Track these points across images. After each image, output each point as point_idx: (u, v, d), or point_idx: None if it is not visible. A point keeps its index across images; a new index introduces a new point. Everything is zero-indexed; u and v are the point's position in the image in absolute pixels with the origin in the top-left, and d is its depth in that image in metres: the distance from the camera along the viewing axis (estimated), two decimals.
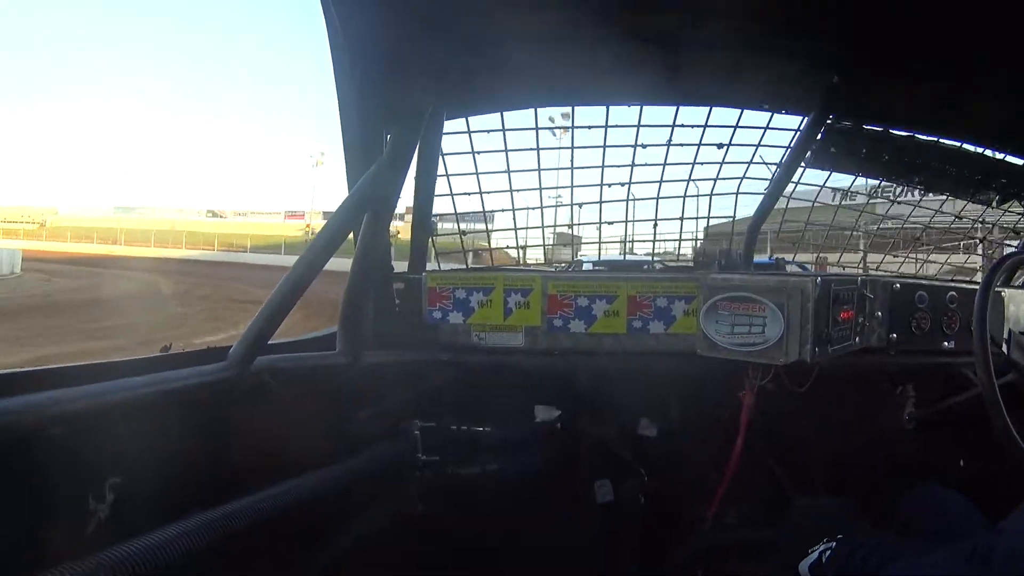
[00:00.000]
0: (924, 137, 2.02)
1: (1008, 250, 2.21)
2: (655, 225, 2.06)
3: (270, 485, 1.19)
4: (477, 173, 1.83)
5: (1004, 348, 1.73)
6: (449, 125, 1.75)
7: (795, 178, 2.02)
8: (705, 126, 1.88)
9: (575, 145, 1.87)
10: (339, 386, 1.47)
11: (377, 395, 1.55)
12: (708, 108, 1.86)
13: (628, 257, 2.24)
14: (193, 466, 1.06)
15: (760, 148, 1.96)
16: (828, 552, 1.22)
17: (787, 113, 1.90)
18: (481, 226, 1.98)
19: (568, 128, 1.88)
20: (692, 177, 1.96)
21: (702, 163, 1.94)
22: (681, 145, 1.90)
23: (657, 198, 1.99)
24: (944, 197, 2.19)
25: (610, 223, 2.08)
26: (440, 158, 1.76)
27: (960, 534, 1.31)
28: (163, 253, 40.26)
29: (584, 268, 2.38)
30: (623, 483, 1.81)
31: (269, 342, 1.30)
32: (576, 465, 1.80)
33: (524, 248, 2.01)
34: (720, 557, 1.66)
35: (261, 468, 1.19)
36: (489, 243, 1.99)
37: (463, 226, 1.91)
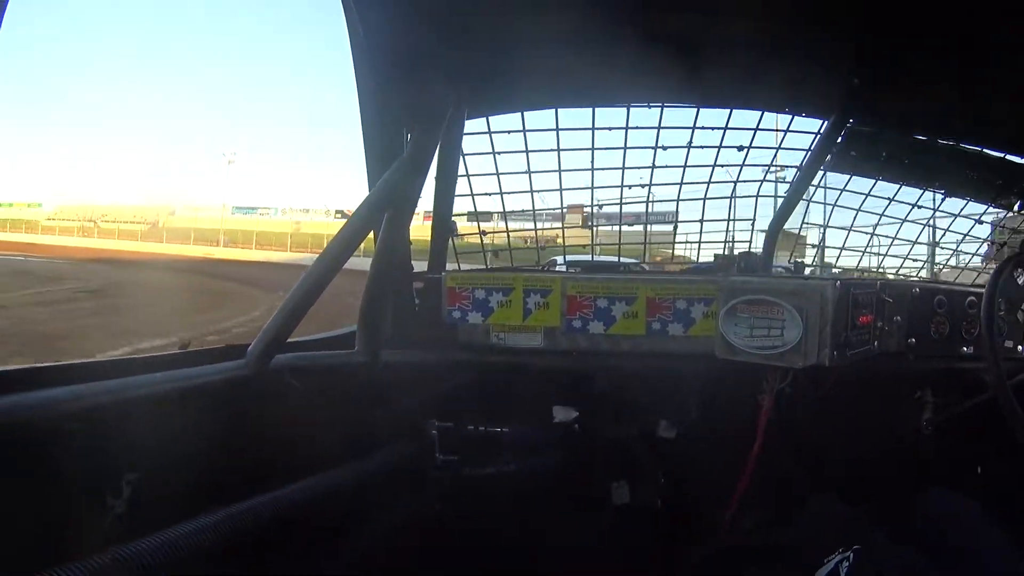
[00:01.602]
0: (944, 141, 2.00)
1: None
2: (675, 227, 2.06)
3: (287, 483, 1.20)
4: (498, 173, 1.83)
5: (1019, 348, 1.73)
6: (469, 125, 1.76)
7: (815, 181, 2.01)
8: (726, 128, 1.88)
9: (595, 146, 1.87)
10: (357, 385, 1.47)
11: (395, 394, 1.55)
12: (728, 111, 1.86)
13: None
14: (210, 463, 1.06)
15: (780, 151, 1.96)
16: (845, 564, 1.21)
17: (807, 116, 1.90)
18: (501, 225, 1.97)
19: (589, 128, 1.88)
20: (712, 179, 1.96)
21: (722, 165, 1.94)
22: (702, 147, 1.90)
23: (678, 200, 1.99)
24: (965, 201, 2.17)
25: (630, 225, 2.08)
26: (460, 158, 1.76)
27: (978, 547, 1.30)
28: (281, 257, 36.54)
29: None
30: (640, 485, 1.81)
31: (288, 340, 1.31)
32: (593, 466, 1.80)
33: (543, 248, 2.01)
34: (735, 561, 1.65)
35: (278, 466, 1.20)
36: (509, 244, 1.99)
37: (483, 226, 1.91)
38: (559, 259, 2.40)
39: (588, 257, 2.22)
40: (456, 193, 1.79)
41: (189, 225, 50.44)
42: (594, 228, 2.13)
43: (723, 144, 1.90)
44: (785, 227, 2.07)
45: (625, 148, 1.87)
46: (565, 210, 2.05)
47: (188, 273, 22.98)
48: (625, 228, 2.08)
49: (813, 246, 2.23)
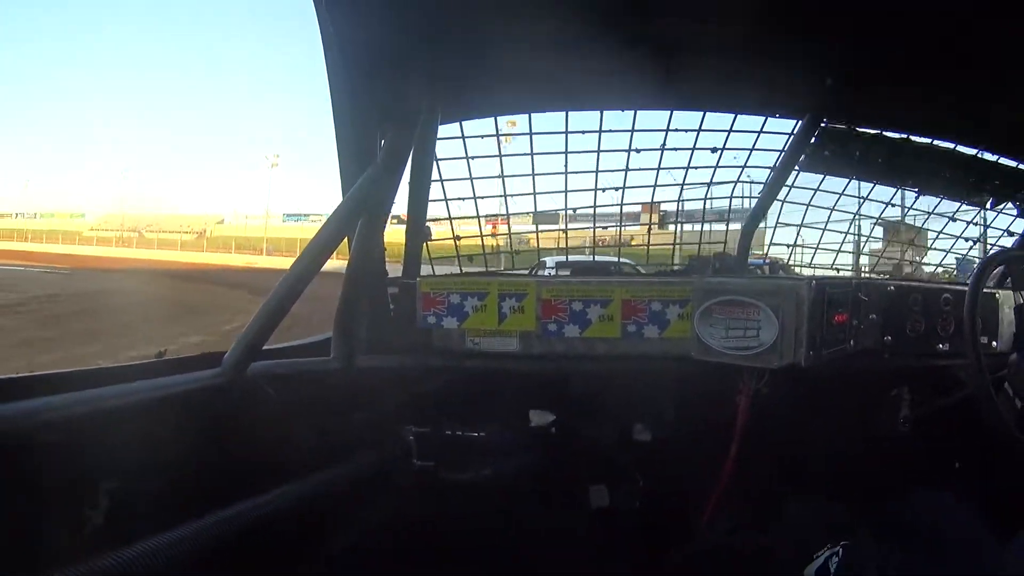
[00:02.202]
0: (918, 139, 2.02)
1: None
2: (649, 229, 2.07)
3: (264, 491, 1.19)
4: (471, 178, 1.83)
5: (995, 345, 1.75)
6: (443, 130, 1.75)
7: (789, 181, 2.02)
8: (699, 130, 1.88)
9: (569, 150, 1.87)
10: (333, 391, 1.46)
11: (371, 400, 1.54)
12: (702, 113, 1.87)
13: (596, 258, 2.25)
14: (187, 472, 1.05)
15: (754, 152, 1.97)
16: (835, 559, 1.21)
17: (781, 117, 1.91)
18: (475, 230, 1.97)
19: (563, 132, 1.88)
20: (687, 182, 1.97)
21: (696, 167, 1.95)
22: (675, 149, 1.91)
23: (651, 203, 1.99)
24: (938, 199, 2.19)
25: (604, 227, 2.08)
26: (435, 163, 1.76)
27: (960, 542, 1.31)
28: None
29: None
30: (618, 488, 1.81)
31: (263, 348, 1.30)
32: (571, 470, 1.80)
33: (518, 253, 2.01)
34: (722, 561, 1.65)
35: (255, 474, 1.19)
36: (483, 248, 1.99)
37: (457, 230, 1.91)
38: (548, 260, 2.41)
39: (583, 258, 2.23)
40: (430, 198, 1.78)
41: (239, 234, 49.65)
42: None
43: (697, 146, 1.91)
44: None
45: (599, 152, 1.87)
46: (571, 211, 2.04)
47: (188, 281, 22.55)
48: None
49: (788, 246, 2.24)
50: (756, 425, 1.62)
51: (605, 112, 1.84)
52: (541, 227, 2.16)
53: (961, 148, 2.04)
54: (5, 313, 12.88)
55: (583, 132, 1.85)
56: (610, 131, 1.84)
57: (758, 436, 1.67)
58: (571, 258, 2.22)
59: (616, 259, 2.39)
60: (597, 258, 2.24)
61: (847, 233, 2.28)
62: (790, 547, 1.37)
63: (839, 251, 2.23)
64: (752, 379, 1.57)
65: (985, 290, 1.70)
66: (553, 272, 2.19)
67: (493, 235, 2.05)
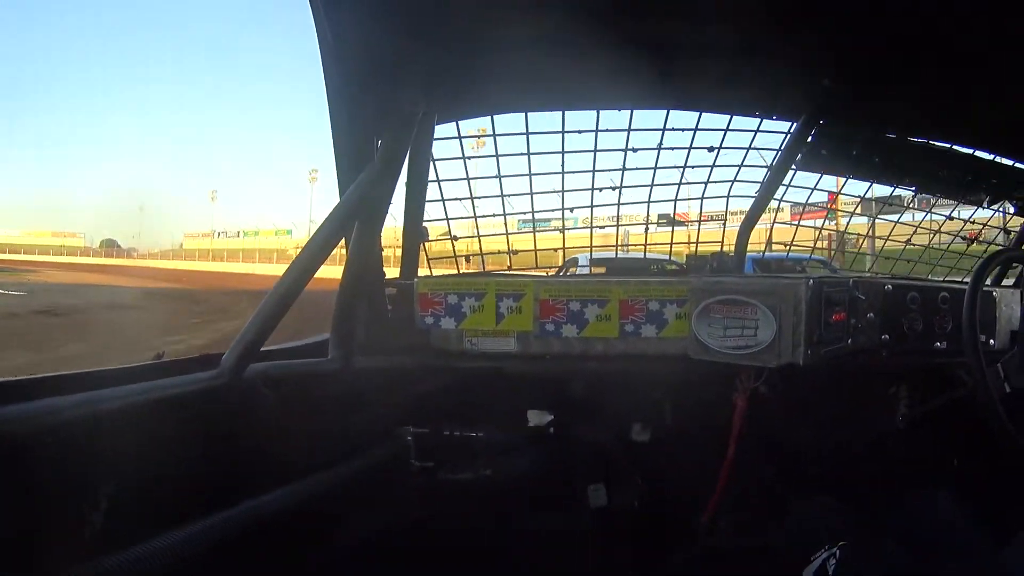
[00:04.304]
0: (915, 139, 2.02)
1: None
2: (646, 229, 2.06)
3: (263, 493, 1.19)
4: (468, 178, 1.83)
5: (992, 343, 1.75)
6: (439, 131, 1.75)
7: (786, 180, 2.02)
8: (696, 129, 1.88)
9: (566, 149, 1.87)
10: (332, 393, 1.46)
11: (370, 401, 1.54)
12: (699, 113, 1.87)
13: (632, 255, 2.23)
14: (185, 474, 1.05)
15: (751, 151, 1.97)
16: (833, 561, 1.21)
17: (778, 118, 1.91)
18: (472, 231, 1.97)
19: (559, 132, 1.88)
20: (683, 181, 1.97)
21: (693, 166, 1.95)
22: (672, 149, 1.91)
23: (648, 202, 1.99)
24: (935, 198, 2.20)
25: (601, 228, 2.08)
26: (431, 163, 1.76)
27: (958, 542, 1.31)
28: None
29: (580, 266, 2.34)
30: (617, 487, 1.80)
31: (261, 349, 1.30)
32: (569, 470, 1.80)
33: (515, 253, 2.01)
34: (720, 562, 1.65)
35: (253, 476, 1.19)
36: (480, 248, 1.99)
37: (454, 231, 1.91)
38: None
39: (621, 255, 2.21)
40: (427, 198, 1.78)
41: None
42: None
43: (694, 145, 1.91)
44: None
45: (595, 151, 1.87)
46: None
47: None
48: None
49: (785, 245, 2.24)
50: (754, 424, 1.62)
51: (601, 112, 1.83)
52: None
53: (958, 147, 2.04)
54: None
55: (579, 132, 1.85)
56: (607, 131, 1.84)
57: (756, 435, 1.67)
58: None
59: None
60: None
61: (843, 232, 2.29)
62: (792, 547, 1.37)
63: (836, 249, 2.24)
64: (750, 378, 1.58)
65: (983, 288, 1.71)
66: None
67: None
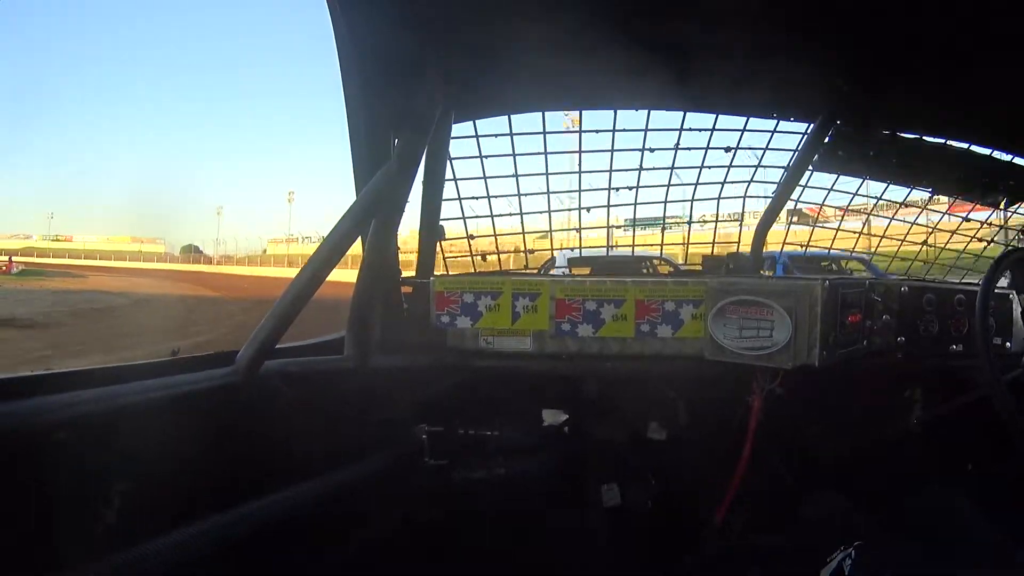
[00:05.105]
0: (932, 139, 2.01)
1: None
2: (663, 229, 2.06)
3: (277, 489, 1.20)
4: (485, 177, 1.83)
5: (1008, 346, 1.74)
6: (456, 129, 1.75)
7: (802, 181, 2.02)
8: (712, 130, 1.88)
9: (583, 149, 1.87)
10: (347, 390, 1.47)
11: (385, 399, 1.55)
12: (715, 115, 1.86)
13: (618, 253, 2.18)
14: (200, 470, 1.06)
15: (767, 151, 1.96)
16: (848, 562, 1.21)
17: (795, 120, 1.90)
18: (489, 229, 1.97)
19: (576, 131, 1.88)
20: (700, 181, 1.96)
21: (710, 167, 1.94)
22: (688, 149, 1.90)
23: (665, 202, 1.99)
24: (952, 199, 2.18)
25: (618, 227, 2.08)
26: (448, 162, 1.76)
27: (973, 543, 1.31)
28: None
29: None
30: (630, 487, 1.81)
31: (277, 346, 1.30)
32: (583, 469, 1.80)
33: (531, 252, 2.01)
34: (737, 562, 1.65)
35: (268, 472, 1.20)
36: (497, 247, 1.99)
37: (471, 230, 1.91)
38: (559, 256, 2.38)
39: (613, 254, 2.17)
40: (444, 197, 1.78)
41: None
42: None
43: (710, 146, 1.91)
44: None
45: (612, 151, 1.87)
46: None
47: None
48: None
49: (801, 245, 2.23)
50: (769, 425, 1.62)
51: (618, 112, 1.83)
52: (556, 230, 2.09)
53: (975, 148, 2.02)
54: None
55: (596, 131, 1.85)
56: (623, 130, 1.83)
57: (771, 436, 1.67)
58: (586, 253, 2.15)
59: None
60: (620, 253, 2.19)
61: (859, 232, 2.27)
62: (809, 547, 1.37)
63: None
64: (765, 379, 1.57)
65: (998, 291, 1.70)
66: (565, 271, 2.12)
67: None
